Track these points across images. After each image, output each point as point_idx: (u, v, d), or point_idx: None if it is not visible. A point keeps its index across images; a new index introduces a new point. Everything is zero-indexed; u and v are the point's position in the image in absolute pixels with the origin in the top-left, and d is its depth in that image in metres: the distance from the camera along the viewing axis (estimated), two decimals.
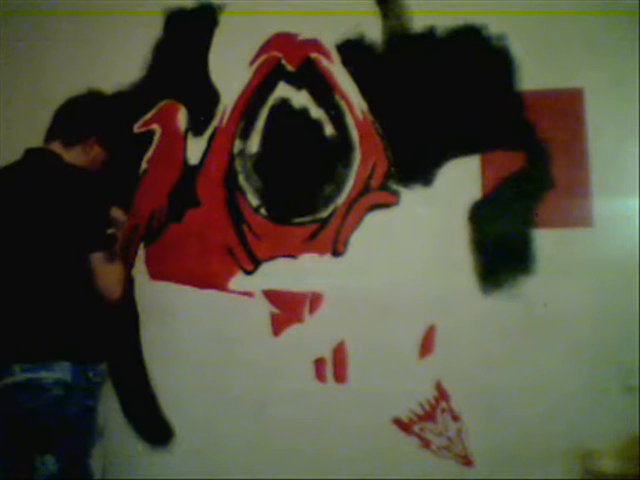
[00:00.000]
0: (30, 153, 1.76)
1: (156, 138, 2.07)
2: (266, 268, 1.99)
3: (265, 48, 2.05)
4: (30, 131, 2.06)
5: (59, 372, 1.59)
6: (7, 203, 1.69)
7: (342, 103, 2.00)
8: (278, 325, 1.97)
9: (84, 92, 1.91)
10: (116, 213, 1.85)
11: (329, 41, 2.02)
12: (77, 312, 1.67)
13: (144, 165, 2.07)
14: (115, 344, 1.96)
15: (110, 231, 1.71)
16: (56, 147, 1.76)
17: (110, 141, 1.86)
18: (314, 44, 2.03)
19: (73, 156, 1.77)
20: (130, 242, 2.02)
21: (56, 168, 1.73)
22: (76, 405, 1.61)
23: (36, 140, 1.98)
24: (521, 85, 1.94)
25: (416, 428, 1.90)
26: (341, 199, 1.98)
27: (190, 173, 2.05)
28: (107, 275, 1.68)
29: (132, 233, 2.03)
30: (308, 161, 2.01)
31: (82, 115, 1.81)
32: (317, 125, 2.01)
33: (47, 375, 1.59)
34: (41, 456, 1.57)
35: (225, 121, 2.05)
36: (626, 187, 1.90)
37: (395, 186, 1.96)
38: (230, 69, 2.05)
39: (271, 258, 1.99)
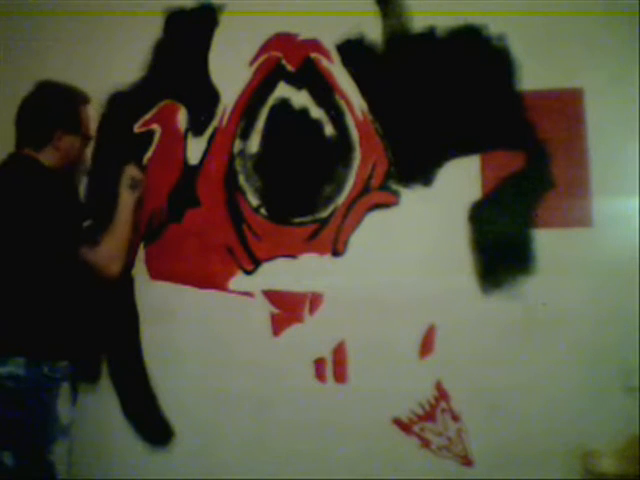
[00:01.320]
0: (11, 157, 1.79)
1: (156, 138, 2.07)
2: (266, 268, 1.99)
3: (265, 48, 2.05)
4: None
5: (12, 366, 1.62)
6: None
7: (342, 103, 2.00)
8: (278, 325, 1.97)
9: (32, 88, 1.86)
10: (133, 172, 1.92)
11: (329, 41, 2.02)
12: (34, 310, 1.69)
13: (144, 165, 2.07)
14: (110, 344, 2.00)
15: (86, 223, 1.79)
16: (30, 152, 1.78)
17: (75, 126, 1.85)
18: (314, 44, 2.03)
19: (47, 156, 1.79)
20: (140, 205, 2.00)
21: (29, 172, 1.75)
22: (31, 398, 1.63)
23: None
24: (521, 85, 1.94)
25: (416, 428, 1.90)
26: (341, 199, 1.98)
27: (190, 173, 2.05)
28: (97, 258, 1.76)
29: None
30: (308, 161, 2.01)
31: (35, 115, 1.81)
32: (317, 125, 2.01)
33: (1, 370, 1.61)
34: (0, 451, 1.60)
35: (225, 121, 2.05)
36: (626, 187, 1.90)
37: (395, 186, 1.96)
38: (230, 69, 2.05)
39: (271, 258, 1.99)
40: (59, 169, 1.81)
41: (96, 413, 2.00)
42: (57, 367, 1.68)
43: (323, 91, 2.01)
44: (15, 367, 1.62)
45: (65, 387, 1.70)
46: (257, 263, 2.00)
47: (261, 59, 2.05)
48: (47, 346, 1.69)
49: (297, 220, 1.99)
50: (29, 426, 1.63)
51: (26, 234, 1.69)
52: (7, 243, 1.70)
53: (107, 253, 1.79)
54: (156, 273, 2.02)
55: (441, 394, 1.90)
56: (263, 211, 2.01)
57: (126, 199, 1.91)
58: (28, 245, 1.69)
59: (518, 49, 1.94)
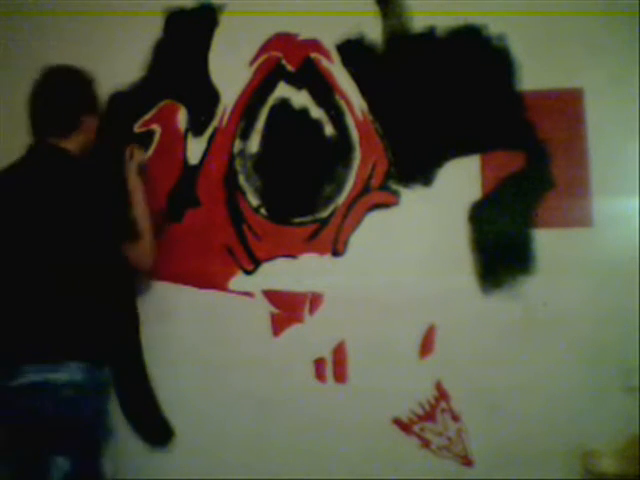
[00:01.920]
0: (38, 149, 1.74)
1: (156, 138, 2.07)
2: (266, 268, 1.99)
3: (265, 48, 2.05)
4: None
5: (70, 373, 1.58)
6: (19, 201, 1.68)
7: (342, 103, 2.00)
8: (278, 325, 1.97)
9: (40, 75, 1.82)
10: (140, 156, 1.91)
11: (329, 41, 2.02)
12: (88, 313, 1.67)
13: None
14: (118, 346, 1.97)
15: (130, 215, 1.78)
16: (57, 141, 1.74)
17: (94, 106, 1.84)
18: (314, 44, 2.03)
19: (74, 143, 1.75)
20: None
21: (69, 165, 1.72)
22: (87, 406, 1.61)
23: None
24: (521, 85, 1.95)
25: (416, 428, 1.90)
26: (341, 199, 1.98)
27: (190, 173, 2.05)
28: (138, 254, 1.76)
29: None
30: (308, 161, 2.01)
31: (59, 102, 1.77)
32: (317, 125, 2.01)
33: (58, 376, 1.57)
34: (53, 457, 1.56)
35: (225, 121, 2.05)
36: (626, 187, 1.90)
37: (395, 186, 1.96)
38: (230, 69, 2.05)
39: (271, 258, 1.99)
40: (82, 154, 1.77)
41: None
42: (106, 370, 1.69)
43: (323, 91, 2.01)
44: (73, 373, 1.58)
45: (110, 391, 1.71)
46: (257, 263, 2.00)
47: (261, 59, 2.05)
48: (101, 350, 1.68)
49: (297, 220, 1.99)
50: (85, 432, 1.61)
51: (80, 233, 1.65)
52: (57, 243, 1.64)
53: (146, 245, 1.79)
54: (156, 273, 2.02)
55: (441, 394, 1.90)
56: (263, 211, 2.01)
57: (137, 186, 1.88)
58: (81, 244, 1.65)
59: (518, 49, 1.94)
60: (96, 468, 1.62)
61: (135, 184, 1.88)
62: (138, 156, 1.94)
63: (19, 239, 1.67)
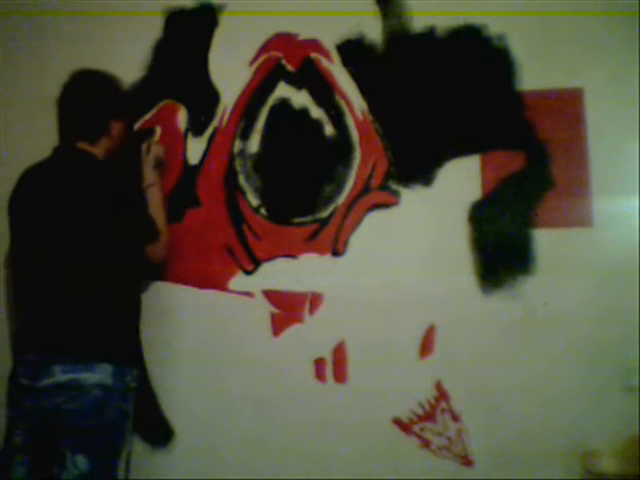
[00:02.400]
0: (66, 152, 1.77)
1: (156, 138, 2.07)
2: (266, 268, 1.99)
3: (265, 48, 2.05)
4: (30, 131, 2.07)
5: (100, 374, 1.59)
6: (47, 202, 1.70)
7: (342, 103, 2.00)
8: (278, 325, 1.97)
9: (69, 79, 1.84)
10: (157, 150, 1.92)
11: (329, 41, 2.02)
12: (118, 315, 1.69)
13: None
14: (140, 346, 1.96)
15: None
16: (84, 146, 1.77)
17: (123, 112, 1.87)
18: (314, 44, 2.03)
19: (101, 148, 1.78)
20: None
21: (94, 169, 1.75)
22: (114, 408, 1.62)
23: (36, 140, 1.99)
24: (521, 85, 1.94)
25: (416, 428, 1.90)
26: (341, 199, 1.98)
27: (190, 173, 2.05)
28: (156, 250, 1.80)
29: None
30: (308, 161, 2.01)
31: (89, 107, 1.80)
32: (317, 125, 2.01)
33: (88, 376, 1.58)
34: (73, 455, 1.57)
35: (225, 121, 2.05)
36: (626, 187, 1.90)
37: (395, 186, 1.96)
38: (230, 69, 2.05)
39: (271, 258, 1.99)
40: (108, 158, 1.80)
41: None
42: (135, 374, 1.69)
43: (323, 91, 2.01)
44: (104, 375, 1.59)
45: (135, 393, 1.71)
46: (257, 263, 2.00)
47: (261, 59, 2.05)
48: (127, 352, 1.69)
49: (297, 220, 1.99)
50: (109, 433, 1.61)
51: (107, 236, 1.67)
52: (83, 244, 1.66)
53: (164, 240, 1.81)
54: (156, 273, 2.02)
55: (441, 394, 1.90)
56: (263, 211, 2.01)
57: (154, 180, 1.88)
58: (108, 246, 1.67)
59: (518, 49, 1.94)
60: (113, 469, 1.63)
61: (151, 178, 1.89)
62: (156, 150, 1.94)
63: (47, 239, 1.68)
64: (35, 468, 1.61)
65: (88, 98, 1.81)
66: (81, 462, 1.56)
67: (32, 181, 1.75)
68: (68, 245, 1.66)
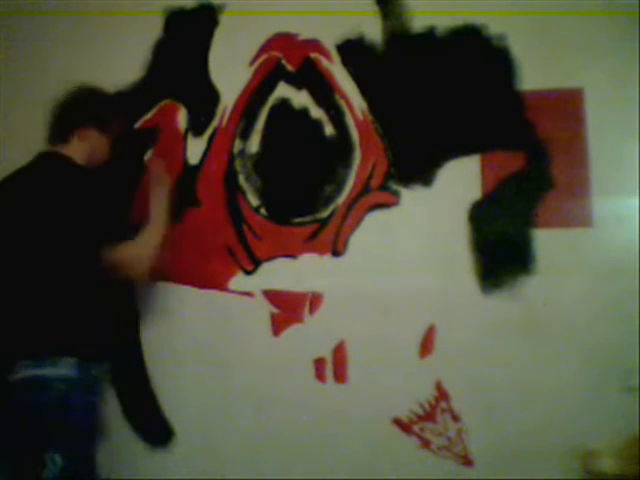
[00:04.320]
0: (42, 156, 1.79)
1: (156, 138, 2.07)
2: (266, 268, 2.00)
3: (265, 48, 2.05)
4: (30, 131, 2.07)
5: (63, 369, 1.60)
6: (19, 204, 1.71)
7: (342, 103, 2.00)
8: (278, 325, 1.97)
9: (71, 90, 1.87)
10: (158, 166, 1.91)
11: (329, 41, 2.02)
12: (81, 309, 1.68)
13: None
14: (115, 344, 1.96)
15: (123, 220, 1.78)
16: (60, 148, 1.78)
17: (106, 124, 1.85)
18: (314, 44, 2.03)
19: (74, 150, 1.78)
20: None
21: (62, 169, 1.75)
22: (77, 400, 1.62)
23: (36, 140, 1.98)
24: (521, 85, 1.94)
25: (416, 428, 1.90)
26: (341, 199, 1.98)
27: (190, 173, 2.05)
28: (131, 257, 1.70)
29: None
30: (308, 161, 2.01)
31: (65, 109, 1.83)
32: (317, 125, 2.01)
33: (51, 371, 1.59)
34: (48, 452, 1.57)
35: (225, 121, 2.05)
36: (626, 187, 1.90)
37: (395, 186, 1.96)
38: (230, 69, 2.05)
39: (271, 258, 1.99)
40: (88, 165, 1.80)
41: None
42: (101, 367, 1.70)
43: (323, 91, 2.01)
44: (66, 369, 1.60)
45: (104, 387, 1.72)
46: (257, 263, 2.00)
47: (261, 59, 2.05)
48: (94, 346, 1.69)
49: (297, 220, 1.99)
50: (78, 428, 1.62)
51: (64, 231, 1.66)
52: (48, 244, 1.66)
53: (139, 251, 1.72)
54: (156, 273, 2.02)
55: (441, 394, 1.90)
56: (263, 211, 2.01)
57: (160, 196, 1.87)
58: (73, 243, 1.67)
59: (518, 49, 1.94)
60: (90, 464, 1.64)
61: (158, 196, 1.86)
62: (157, 167, 1.93)
63: (16, 240, 1.69)
64: (16, 466, 1.62)
65: (60, 104, 1.84)
66: (57, 459, 1.57)
67: (9, 183, 1.77)
68: (30, 245, 1.67)
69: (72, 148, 1.79)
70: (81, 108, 1.85)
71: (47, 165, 1.76)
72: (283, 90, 2.03)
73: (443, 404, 1.90)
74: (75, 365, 1.61)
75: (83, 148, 1.80)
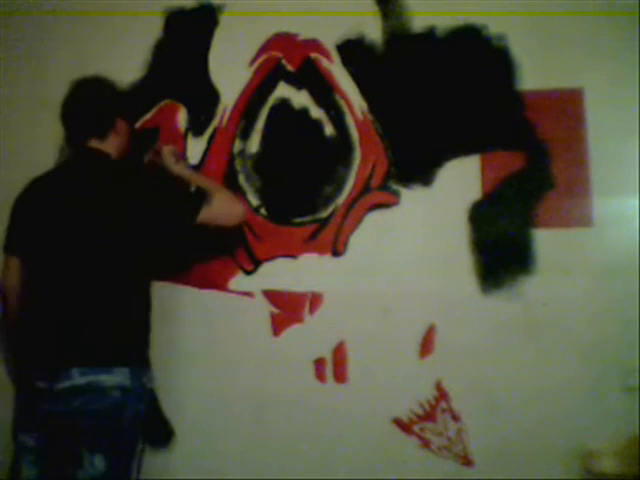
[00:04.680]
0: (80, 153, 1.79)
1: (156, 138, 2.07)
2: (266, 268, 1.99)
3: (265, 48, 2.05)
4: (30, 131, 2.07)
5: (119, 376, 1.61)
6: (67, 204, 1.70)
7: (342, 103, 2.00)
8: (278, 325, 1.97)
9: (72, 87, 1.84)
10: (169, 149, 1.91)
11: (329, 41, 2.02)
12: (134, 318, 1.70)
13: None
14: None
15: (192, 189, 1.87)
16: (96, 144, 1.77)
17: (128, 111, 1.88)
18: (314, 44, 2.03)
19: (111, 145, 1.79)
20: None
21: (111, 166, 1.76)
22: (131, 409, 1.63)
23: (36, 140, 1.99)
24: (521, 85, 1.95)
25: (416, 428, 1.90)
26: (341, 199, 1.98)
27: None
28: (221, 208, 1.79)
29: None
30: (308, 161, 2.01)
31: (100, 104, 1.81)
32: (317, 125, 2.01)
33: (107, 379, 1.59)
34: (91, 455, 1.57)
35: (225, 121, 2.05)
36: (626, 187, 1.90)
37: (395, 186, 1.96)
38: (230, 69, 2.05)
39: (271, 258, 1.99)
40: (119, 158, 1.82)
41: None
42: (150, 376, 1.72)
43: (323, 91, 2.01)
44: (122, 377, 1.61)
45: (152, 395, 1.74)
46: (257, 263, 2.00)
47: (261, 59, 2.05)
48: (144, 354, 1.71)
49: (297, 220, 1.99)
50: (126, 435, 1.63)
51: (129, 235, 1.68)
52: (104, 247, 1.66)
53: (224, 198, 1.81)
54: (156, 273, 2.02)
55: (441, 394, 1.90)
56: (263, 211, 2.01)
57: (183, 172, 1.90)
58: (132, 245, 1.68)
59: (518, 49, 1.94)
60: (128, 469, 1.64)
61: (181, 173, 1.90)
62: (167, 150, 1.92)
63: (69, 242, 1.67)
64: (48, 468, 1.62)
65: (94, 96, 1.81)
66: (99, 462, 1.57)
67: (52, 183, 1.75)
68: (85, 250, 1.66)
69: (109, 142, 1.78)
70: (115, 100, 1.85)
71: (95, 164, 1.75)
72: (283, 90, 2.03)
73: (443, 404, 1.90)
74: (128, 373, 1.62)
75: (118, 142, 1.81)
